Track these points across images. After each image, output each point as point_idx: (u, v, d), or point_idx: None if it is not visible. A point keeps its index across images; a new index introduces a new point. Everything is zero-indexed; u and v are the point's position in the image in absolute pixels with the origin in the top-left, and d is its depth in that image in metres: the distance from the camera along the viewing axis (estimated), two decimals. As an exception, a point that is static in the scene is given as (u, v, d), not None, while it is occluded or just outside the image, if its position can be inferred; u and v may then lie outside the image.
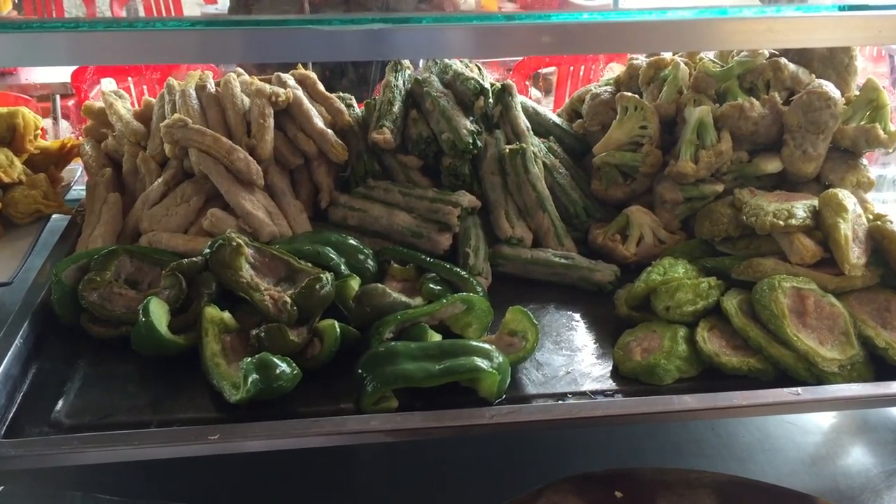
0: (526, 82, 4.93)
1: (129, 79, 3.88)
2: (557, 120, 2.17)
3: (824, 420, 1.73)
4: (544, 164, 2.00)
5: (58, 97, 4.60)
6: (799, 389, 1.44)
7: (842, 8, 1.43)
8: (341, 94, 2.13)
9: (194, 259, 1.64)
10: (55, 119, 4.60)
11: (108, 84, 4.13)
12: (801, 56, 1.94)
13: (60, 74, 4.45)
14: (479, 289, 1.69)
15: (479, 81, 1.98)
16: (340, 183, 2.02)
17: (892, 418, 1.72)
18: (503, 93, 2.04)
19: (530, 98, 4.76)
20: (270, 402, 1.44)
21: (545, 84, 5.30)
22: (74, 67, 4.15)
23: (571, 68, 4.74)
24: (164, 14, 6.31)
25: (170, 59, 2.11)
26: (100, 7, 6.80)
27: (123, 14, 6.27)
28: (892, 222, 1.62)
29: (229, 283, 1.60)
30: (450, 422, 1.39)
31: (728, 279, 1.68)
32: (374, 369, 1.45)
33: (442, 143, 1.93)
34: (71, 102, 4.20)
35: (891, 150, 1.82)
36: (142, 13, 6.35)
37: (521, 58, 4.73)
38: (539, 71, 5.28)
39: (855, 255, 1.58)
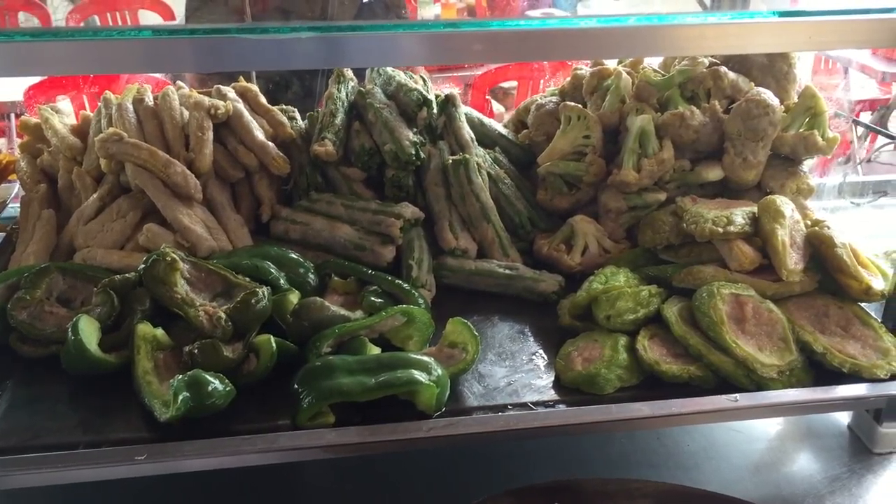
0: (486, 96, 4.95)
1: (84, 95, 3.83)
2: (503, 130, 2.17)
3: (770, 427, 1.73)
4: (489, 174, 1.99)
5: (13, 115, 4.54)
6: (737, 396, 1.44)
7: (780, 14, 1.44)
8: (284, 106, 2.11)
9: (127, 275, 1.60)
10: (10, 138, 4.54)
11: (63, 101, 4.08)
12: (742, 64, 1.96)
13: (14, 93, 4.38)
14: (420, 301, 1.67)
15: (422, 92, 1.97)
16: (284, 196, 1.99)
17: (836, 424, 1.72)
18: (447, 104, 2.03)
19: (493, 112, 4.79)
20: (206, 419, 1.41)
21: (507, 99, 5.32)
22: (27, 86, 4.09)
23: (532, 82, 4.76)
24: (120, 30, 6.26)
25: (121, 69, 2.08)
26: (56, 24, 6.74)
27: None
28: (829, 228, 1.63)
29: (164, 300, 1.57)
30: (386, 436, 1.37)
31: (670, 287, 1.68)
32: (310, 384, 1.42)
33: (385, 155, 1.92)
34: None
35: (829, 157, 1.84)
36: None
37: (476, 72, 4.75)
38: (500, 85, 5.31)
39: (793, 260, 1.58)
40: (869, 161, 5.91)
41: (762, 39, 1.43)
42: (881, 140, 4.98)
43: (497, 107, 5.14)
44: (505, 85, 5.26)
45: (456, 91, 2.07)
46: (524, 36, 1.34)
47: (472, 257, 1.88)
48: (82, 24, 6.31)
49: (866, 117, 6.09)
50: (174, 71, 2.04)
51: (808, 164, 1.96)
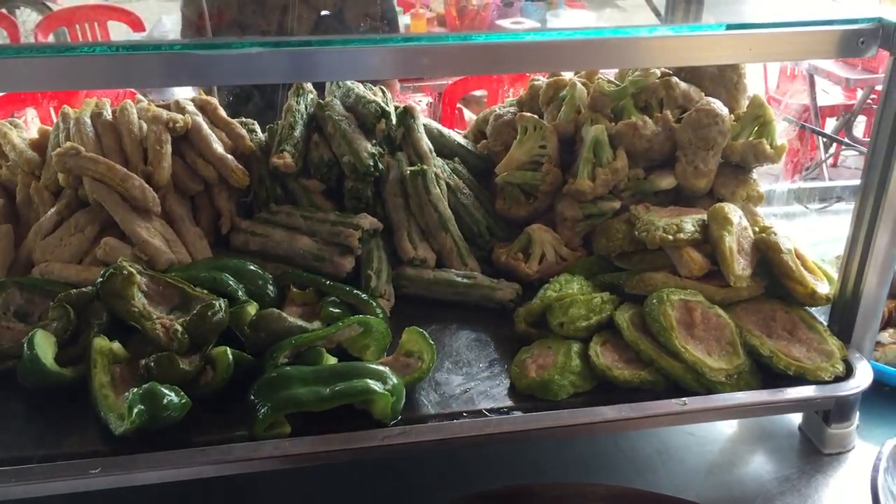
0: (458, 105, 4.98)
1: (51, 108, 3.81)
2: (462, 141, 2.19)
3: (724, 429, 1.76)
4: (448, 184, 2.01)
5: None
6: (685, 399, 1.47)
7: (729, 27, 1.48)
8: (244, 119, 2.12)
9: (84, 289, 1.61)
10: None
11: (29, 115, 4.05)
12: (693, 75, 2.00)
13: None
14: (378, 311, 1.69)
15: (380, 104, 1.99)
16: (244, 208, 2.01)
17: (788, 426, 1.75)
18: (405, 115, 2.05)
19: (464, 120, 4.82)
20: (163, 432, 1.42)
21: (479, 107, 5.36)
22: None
23: (501, 91, 4.81)
24: (90, 40, 6.25)
25: (82, 86, 2.08)
26: (24, 36, 6.70)
27: (50, 40, 6.19)
28: (776, 234, 1.67)
29: (121, 313, 1.57)
30: (341, 445, 1.39)
31: (623, 294, 1.71)
32: (266, 395, 1.43)
33: (343, 166, 1.94)
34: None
35: (777, 164, 1.88)
36: (69, 41, 6.27)
37: (447, 81, 4.79)
38: (472, 93, 5.35)
39: (740, 266, 1.62)
40: (835, 166, 6.02)
41: (710, 52, 1.47)
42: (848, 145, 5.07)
43: (468, 114, 5.18)
44: (477, 93, 5.31)
45: (426, 101, 2.09)
46: (481, 50, 1.36)
47: (430, 267, 1.90)
48: (51, 36, 6.28)
49: (832, 123, 6.20)
50: (135, 87, 2.05)
51: (765, 171, 2.00)
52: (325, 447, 1.38)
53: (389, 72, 1.74)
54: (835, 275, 1.69)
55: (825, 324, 1.66)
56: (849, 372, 1.57)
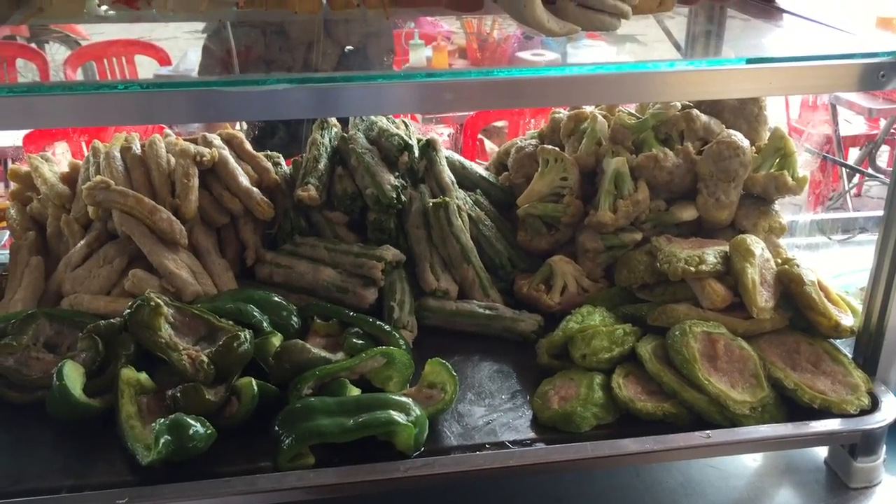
0: (479, 135, 5.02)
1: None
2: (484, 173, 2.21)
3: (748, 463, 1.75)
4: (469, 216, 2.03)
5: (9, 161, 4.60)
6: (709, 432, 1.47)
7: (749, 61, 1.49)
8: (269, 152, 2.15)
9: (112, 320, 1.64)
10: (7, 184, 4.58)
11: (60, 148, 4.13)
12: (713, 107, 2.01)
13: (11, 138, 4.44)
14: (400, 342, 1.71)
15: (402, 137, 2.02)
16: (268, 240, 2.03)
17: (814, 459, 1.73)
18: (427, 148, 2.08)
19: (485, 150, 4.85)
20: (188, 462, 1.43)
21: (500, 137, 5.39)
22: (24, 132, 4.15)
23: (522, 121, 4.83)
24: (118, 75, 6.37)
25: (112, 122, 2.13)
26: (54, 70, 6.84)
27: (78, 75, 6.32)
28: (798, 266, 1.66)
29: (148, 344, 1.60)
30: (364, 476, 1.40)
31: (645, 325, 1.71)
32: (290, 426, 1.45)
33: (367, 199, 1.96)
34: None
35: (800, 195, 1.88)
36: (97, 75, 6.40)
37: (468, 113, 4.82)
38: (493, 124, 5.38)
39: (763, 298, 1.62)
40: (859, 196, 5.98)
41: (731, 86, 1.48)
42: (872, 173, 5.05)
43: (490, 145, 5.21)
44: (498, 124, 5.34)
45: (448, 132, 2.12)
46: (504, 85, 1.38)
47: (453, 298, 1.91)
48: (79, 70, 6.40)
49: (854, 153, 6.17)
50: (164, 123, 2.09)
51: (788, 201, 2.00)
52: (349, 478, 1.39)
53: (413, 107, 1.77)
54: (859, 307, 1.68)
55: (850, 356, 1.65)
56: (874, 405, 1.56)
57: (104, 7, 1.60)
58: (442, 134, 4.99)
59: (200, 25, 1.96)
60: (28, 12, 1.53)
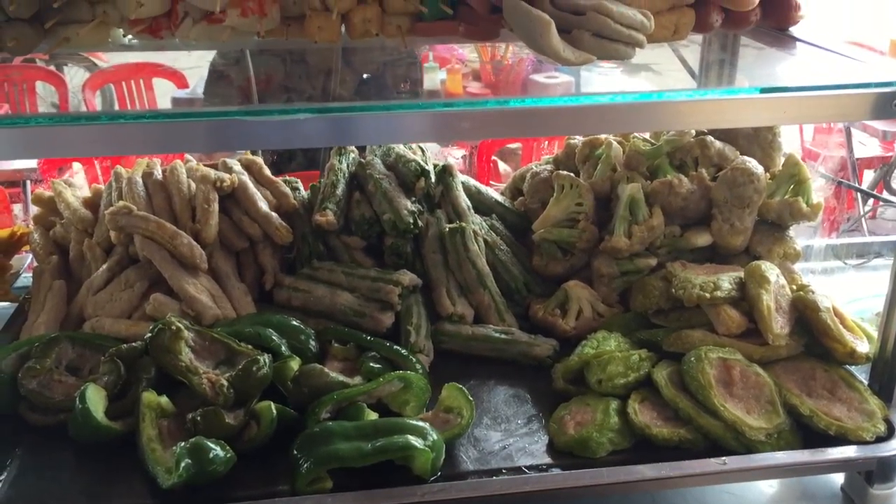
0: (493, 157, 5.04)
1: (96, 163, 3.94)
2: (499, 198, 2.23)
3: (764, 489, 1.74)
4: (485, 241, 2.05)
5: (28, 183, 4.66)
6: (725, 459, 1.47)
7: (763, 90, 1.50)
8: (288, 177, 2.18)
9: (133, 344, 1.66)
10: (26, 205, 4.64)
11: (78, 169, 4.18)
12: (728, 133, 2.03)
13: (28, 161, 4.50)
14: (417, 366, 1.72)
15: (419, 163, 2.04)
16: (287, 264, 2.06)
17: (831, 486, 1.73)
18: (444, 174, 2.11)
19: (499, 172, 4.87)
20: (207, 486, 1.45)
21: (514, 159, 5.42)
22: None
23: (536, 143, 4.86)
24: (136, 98, 6.45)
25: (133, 152, 2.17)
26: (72, 93, 6.93)
27: (97, 98, 6.41)
28: (813, 292, 1.67)
29: (168, 368, 1.62)
30: (381, 501, 1.41)
31: (660, 351, 1.72)
32: (308, 450, 1.46)
33: (384, 224, 1.99)
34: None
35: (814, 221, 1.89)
36: (115, 98, 6.48)
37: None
38: (507, 146, 5.41)
39: (778, 325, 1.63)
40: (874, 218, 5.96)
41: (745, 115, 1.49)
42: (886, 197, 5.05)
43: (503, 167, 5.23)
44: (512, 146, 5.37)
45: (461, 154, 2.13)
46: (519, 114, 1.40)
47: (469, 323, 1.93)
48: (98, 93, 6.48)
49: (869, 175, 6.16)
50: (185, 151, 2.12)
51: (803, 226, 2.01)
52: (367, 503, 1.40)
53: (430, 136, 1.79)
54: (874, 333, 1.68)
55: (865, 383, 1.65)
56: (891, 432, 1.56)
57: (128, 37, 1.64)
58: (456, 157, 5.02)
59: (223, 54, 2.00)
60: (55, 42, 1.56)
